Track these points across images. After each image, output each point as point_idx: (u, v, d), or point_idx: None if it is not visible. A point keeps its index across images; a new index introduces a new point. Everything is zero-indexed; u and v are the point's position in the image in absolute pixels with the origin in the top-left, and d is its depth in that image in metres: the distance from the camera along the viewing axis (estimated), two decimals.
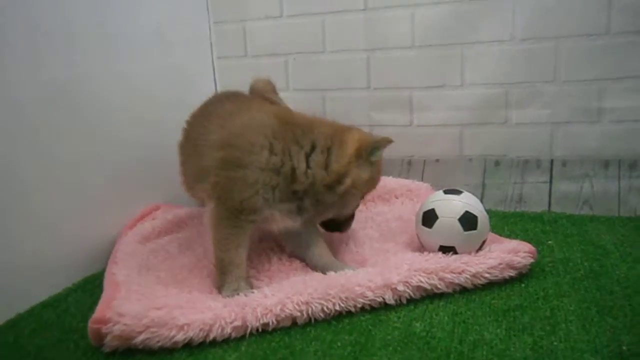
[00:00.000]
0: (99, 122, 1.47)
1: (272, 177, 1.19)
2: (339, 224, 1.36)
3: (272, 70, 1.96)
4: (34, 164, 1.27)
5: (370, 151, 1.25)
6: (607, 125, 1.68)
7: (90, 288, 1.34)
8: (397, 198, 1.71)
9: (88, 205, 1.43)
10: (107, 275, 1.26)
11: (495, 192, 1.78)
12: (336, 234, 1.40)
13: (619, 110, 1.66)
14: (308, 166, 1.22)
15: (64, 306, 1.25)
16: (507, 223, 1.61)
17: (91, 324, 1.02)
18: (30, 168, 1.26)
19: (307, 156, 1.22)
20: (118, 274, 1.24)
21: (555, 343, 0.99)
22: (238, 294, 1.14)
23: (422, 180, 1.83)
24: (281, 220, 1.23)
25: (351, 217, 1.37)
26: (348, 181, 1.23)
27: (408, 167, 1.89)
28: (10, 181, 1.20)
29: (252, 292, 1.15)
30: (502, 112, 1.77)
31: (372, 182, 1.31)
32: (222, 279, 1.19)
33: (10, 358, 1.04)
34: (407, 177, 1.83)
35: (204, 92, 1.94)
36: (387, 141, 1.28)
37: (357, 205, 1.35)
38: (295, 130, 1.23)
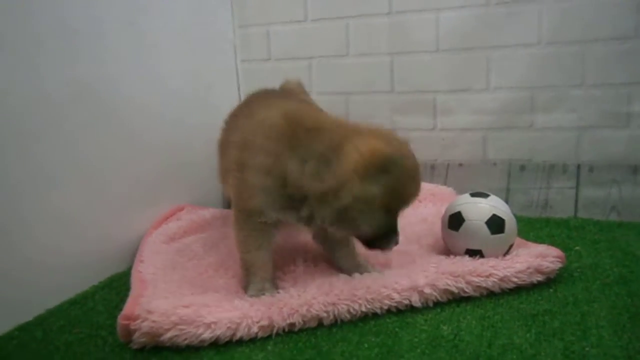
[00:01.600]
0: (125, 122, 1.49)
1: (266, 180, 1.13)
2: (375, 241, 1.16)
3: (295, 73, 1.96)
4: (62, 162, 1.28)
5: (375, 169, 1.05)
6: (635, 130, 1.66)
7: (117, 286, 1.35)
8: (420, 202, 1.69)
9: (115, 205, 1.44)
10: (133, 273, 1.27)
11: (520, 197, 1.76)
12: None
13: None
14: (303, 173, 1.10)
15: (91, 304, 1.26)
16: (532, 228, 1.59)
17: (120, 320, 1.03)
18: (57, 166, 1.27)
19: (304, 162, 1.10)
20: (145, 272, 1.25)
21: (587, 348, 0.97)
22: (263, 294, 1.14)
23: (445, 184, 1.82)
24: (293, 225, 1.21)
25: (390, 233, 1.15)
26: (346, 197, 1.06)
27: (431, 172, 1.88)
28: (39, 179, 1.22)
29: (278, 293, 1.15)
30: (527, 116, 1.75)
31: (392, 196, 1.09)
32: (247, 279, 1.20)
33: (40, 353, 1.05)
34: (430, 182, 1.82)
35: (227, 95, 1.97)
36: (402, 153, 1.10)
37: (387, 222, 1.13)
38: (299, 133, 1.12)
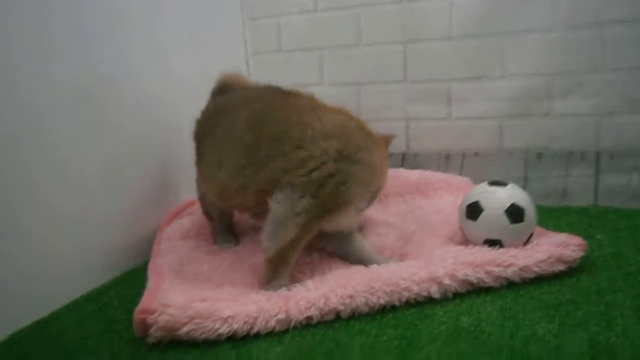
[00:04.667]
0: (136, 119, 1.48)
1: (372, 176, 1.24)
2: None
3: (306, 64, 1.96)
4: (75, 158, 1.28)
5: None
6: None
7: (132, 280, 1.35)
8: (435, 192, 1.67)
9: (128, 200, 1.44)
10: (151, 266, 1.27)
11: (538, 186, 1.73)
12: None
13: None
14: None
15: (105, 299, 1.26)
16: (551, 218, 1.56)
17: (137, 314, 1.02)
18: (71, 162, 1.27)
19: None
20: (162, 265, 1.24)
21: (612, 339, 0.94)
22: (281, 289, 1.13)
23: (460, 174, 1.79)
24: (353, 217, 1.24)
25: None
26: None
27: (446, 162, 1.85)
28: (53, 176, 1.21)
29: (295, 286, 1.13)
30: (544, 103, 1.72)
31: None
32: (275, 274, 1.17)
33: (55, 349, 1.05)
34: (445, 172, 1.80)
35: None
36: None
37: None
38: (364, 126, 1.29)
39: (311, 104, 1.27)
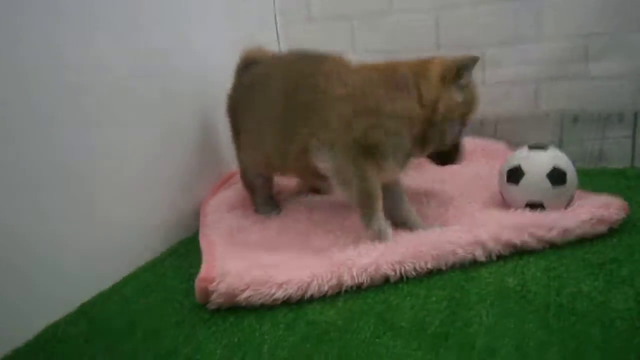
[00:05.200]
0: (181, 91, 1.51)
1: (402, 125, 1.22)
2: (448, 156, 1.33)
3: (338, 33, 1.96)
4: (123, 133, 1.31)
5: (455, 73, 1.23)
6: None
7: (183, 252, 1.41)
8: (471, 157, 1.68)
9: (174, 173, 1.49)
10: (202, 238, 1.32)
11: (574, 148, 1.73)
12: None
13: None
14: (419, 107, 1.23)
15: (161, 270, 1.32)
16: (588, 180, 1.56)
17: (198, 282, 1.07)
18: (120, 138, 1.30)
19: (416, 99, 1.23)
20: (212, 235, 1.30)
21: None
22: (383, 233, 1.21)
23: (495, 139, 1.80)
24: (392, 170, 1.27)
25: (458, 146, 1.33)
26: (441, 108, 1.22)
27: (480, 127, 1.86)
28: (100, 153, 1.25)
29: (391, 240, 1.20)
30: (581, 64, 1.70)
31: (467, 106, 1.27)
32: (368, 212, 1.23)
33: (122, 316, 1.11)
34: (479, 137, 1.81)
35: None
36: (472, 60, 1.24)
37: (460, 133, 1.31)
38: (394, 77, 1.25)
39: (338, 68, 1.30)
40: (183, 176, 1.53)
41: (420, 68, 1.25)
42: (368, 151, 1.21)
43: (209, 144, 1.65)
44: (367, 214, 1.23)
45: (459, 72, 1.23)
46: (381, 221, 1.23)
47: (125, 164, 1.32)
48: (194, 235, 1.48)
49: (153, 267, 1.34)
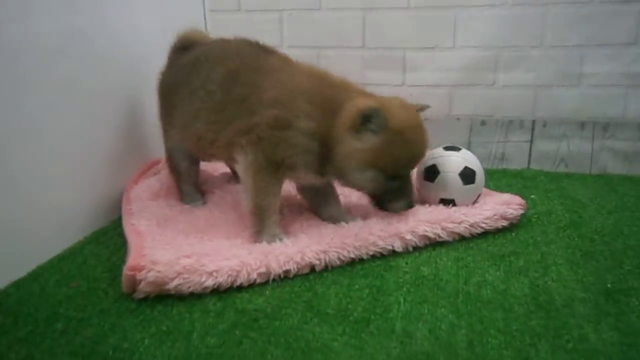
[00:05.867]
0: (106, 73, 1.46)
1: (311, 142, 1.22)
2: (383, 202, 1.28)
3: (266, 25, 1.97)
4: (47, 115, 1.25)
5: (363, 119, 1.16)
6: (585, 89, 1.81)
7: (104, 240, 1.36)
8: None
9: (97, 158, 1.44)
10: (126, 226, 1.29)
11: (480, 150, 1.90)
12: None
13: (597, 75, 1.79)
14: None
15: (81, 258, 1.27)
16: (491, 179, 1.73)
17: (126, 271, 1.06)
18: (43, 119, 1.24)
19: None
20: (138, 225, 1.27)
21: (549, 282, 1.12)
22: (275, 240, 1.22)
23: None
24: (307, 178, 1.29)
25: (397, 195, 1.26)
26: (340, 151, 1.20)
27: None
28: (24, 129, 1.19)
29: (287, 239, 1.22)
30: (490, 74, 1.87)
31: (377, 154, 1.18)
32: (261, 224, 1.24)
33: (43, 305, 1.06)
34: None
35: None
36: (377, 110, 1.16)
37: (389, 184, 1.23)
38: (326, 95, 1.23)
39: (279, 66, 1.30)
40: (104, 162, 1.48)
41: (349, 101, 1.21)
42: (277, 164, 1.23)
43: (132, 131, 1.60)
44: (257, 227, 1.25)
45: (364, 119, 1.16)
46: (274, 230, 1.25)
47: (45, 145, 1.25)
48: (113, 223, 1.44)
49: (72, 255, 1.29)
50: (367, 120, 1.16)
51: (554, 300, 1.05)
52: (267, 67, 1.30)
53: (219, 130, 1.30)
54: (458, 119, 1.94)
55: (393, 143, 1.18)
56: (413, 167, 1.29)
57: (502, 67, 1.85)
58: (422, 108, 1.34)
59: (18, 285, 1.15)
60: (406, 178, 1.27)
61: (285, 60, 1.34)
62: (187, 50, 1.46)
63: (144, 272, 1.05)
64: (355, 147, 1.19)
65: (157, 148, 1.65)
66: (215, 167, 1.74)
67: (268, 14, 1.97)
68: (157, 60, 1.58)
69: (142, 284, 1.05)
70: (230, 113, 1.28)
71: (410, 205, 1.29)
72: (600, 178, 1.76)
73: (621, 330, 0.95)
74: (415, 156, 1.26)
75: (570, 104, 1.83)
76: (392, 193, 1.26)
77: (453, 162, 1.38)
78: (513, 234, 1.35)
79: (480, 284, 1.12)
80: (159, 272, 1.05)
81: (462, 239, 1.32)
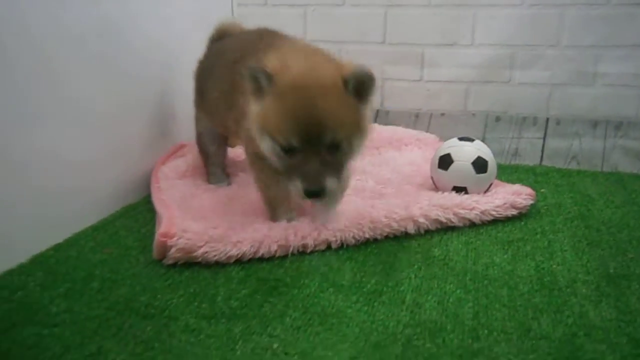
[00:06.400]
0: (136, 62, 1.54)
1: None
2: (289, 181, 1.12)
3: (291, 20, 2.05)
4: (81, 99, 1.33)
5: (250, 78, 1.06)
6: (599, 89, 1.86)
7: (133, 215, 1.45)
8: (406, 146, 1.86)
9: (127, 140, 1.52)
10: (156, 200, 1.37)
11: (494, 145, 1.94)
12: None
13: (611, 75, 1.84)
14: None
15: (112, 229, 1.36)
16: (503, 173, 1.78)
17: (158, 237, 1.14)
18: (77, 103, 1.32)
19: None
20: (168, 199, 1.36)
21: (554, 266, 1.18)
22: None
23: (427, 132, 1.98)
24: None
25: (301, 172, 1.07)
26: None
27: (415, 120, 2.04)
28: (60, 115, 1.27)
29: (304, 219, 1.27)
30: (506, 71, 1.92)
31: (267, 117, 1.06)
32: (275, 214, 1.29)
33: (80, 267, 1.15)
34: (414, 129, 1.98)
35: None
36: (259, 69, 1.05)
37: (287, 159, 1.09)
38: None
39: (267, 45, 1.23)
40: (135, 145, 1.56)
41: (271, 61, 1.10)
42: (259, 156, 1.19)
43: (161, 118, 1.69)
44: (272, 214, 1.29)
45: (251, 78, 1.06)
46: (287, 216, 1.27)
47: (86, 130, 1.34)
48: (142, 200, 1.53)
49: (105, 226, 1.38)
50: (254, 80, 1.06)
51: (557, 281, 1.11)
52: (259, 48, 1.24)
53: (227, 116, 1.37)
54: (474, 114, 2.00)
55: (275, 106, 1.04)
56: (308, 139, 1.04)
57: (518, 65, 1.90)
58: (360, 72, 1.06)
59: (56, 248, 1.24)
60: (308, 155, 1.04)
61: (282, 39, 1.28)
62: (220, 40, 1.54)
63: (174, 238, 1.13)
64: (251, 109, 1.11)
65: (182, 133, 1.74)
66: (238, 153, 1.82)
67: (293, 9, 2.05)
68: (187, 52, 1.67)
69: (173, 250, 1.13)
70: (233, 98, 1.31)
71: (309, 192, 1.04)
72: (611, 175, 1.80)
73: (620, 309, 1.01)
74: (299, 124, 1.02)
75: (584, 102, 1.88)
76: (292, 171, 1.07)
77: (467, 151, 1.44)
78: (522, 222, 1.41)
79: (488, 265, 1.18)
80: (188, 239, 1.13)
81: (472, 225, 1.37)
